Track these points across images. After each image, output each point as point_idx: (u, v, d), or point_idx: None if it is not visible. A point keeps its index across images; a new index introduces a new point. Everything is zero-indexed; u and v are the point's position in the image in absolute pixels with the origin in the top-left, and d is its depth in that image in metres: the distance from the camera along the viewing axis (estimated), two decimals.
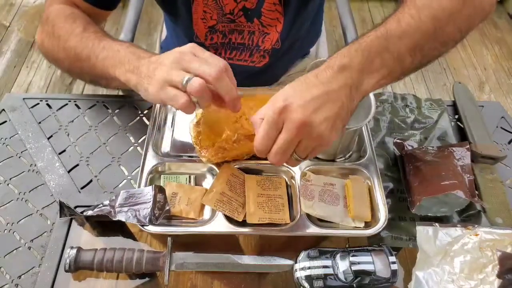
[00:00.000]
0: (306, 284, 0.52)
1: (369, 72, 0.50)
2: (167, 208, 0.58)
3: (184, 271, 0.55)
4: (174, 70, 0.51)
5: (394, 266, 0.52)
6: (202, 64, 0.51)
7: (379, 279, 0.52)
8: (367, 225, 0.59)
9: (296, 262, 0.54)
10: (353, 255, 0.53)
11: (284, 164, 0.64)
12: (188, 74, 0.51)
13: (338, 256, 0.53)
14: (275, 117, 0.47)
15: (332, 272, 0.52)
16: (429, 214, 0.62)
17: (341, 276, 0.52)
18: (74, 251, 0.53)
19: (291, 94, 0.48)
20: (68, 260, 0.53)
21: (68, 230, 0.59)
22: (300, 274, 0.53)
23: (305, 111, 0.46)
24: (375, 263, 0.52)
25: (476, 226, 0.57)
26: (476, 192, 0.63)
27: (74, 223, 0.60)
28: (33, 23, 2.11)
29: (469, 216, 0.62)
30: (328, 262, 0.53)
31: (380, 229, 0.57)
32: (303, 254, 0.54)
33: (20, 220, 0.61)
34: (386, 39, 0.50)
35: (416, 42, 0.51)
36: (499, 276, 0.52)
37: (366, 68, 0.49)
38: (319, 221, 0.59)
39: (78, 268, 0.53)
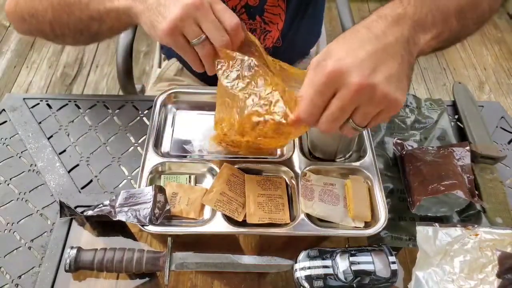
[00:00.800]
0: (306, 284, 0.52)
1: (423, 27, 0.46)
2: (167, 208, 0.58)
3: (184, 271, 0.55)
4: (187, 20, 0.48)
5: (394, 266, 0.52)
6: (215, 27, 0.49)
7: (379, 279, 0.52)
8: (367, 225, 0.59)
9: (296, 262, 0.54)
10: (353, 255, 0.53)
11: (285, 164, 0.65)
12: (200, 33, 0.49)
13: (338, 256, 0.53)
14: (325, 81, 0.41)
15: (332, 272, 0.52)
16: (429, 214, 0.62)
17: (341, 276, 0.52)
18: (74, 251, 0.53)
19: (342, 53, 0.41)
20: (68, 260, 0.53)
21: (68, 230, 0.59)
22: (300, 274, 0.53)
23: (363, 73, 0.40)
24: (375, 263, 0.53)
25: (476, 226, 0.57)
26: (476, 192, 0.63)
27: (74, 223, 0.60)
28: None
29: (469, 216, 0.62)
30: (328, 262, 0.53)
31: (380, 229, 0.57)
32: (303, 254, 0.54)
33: (20, 220, 0.61)
34: None
35: (462, 6, 0.49)
36: (499, 276, 0.52)
37: (420, 22, 0.45)
38: (319, 221, 0.59)
39: (78, 268, 0.53)
